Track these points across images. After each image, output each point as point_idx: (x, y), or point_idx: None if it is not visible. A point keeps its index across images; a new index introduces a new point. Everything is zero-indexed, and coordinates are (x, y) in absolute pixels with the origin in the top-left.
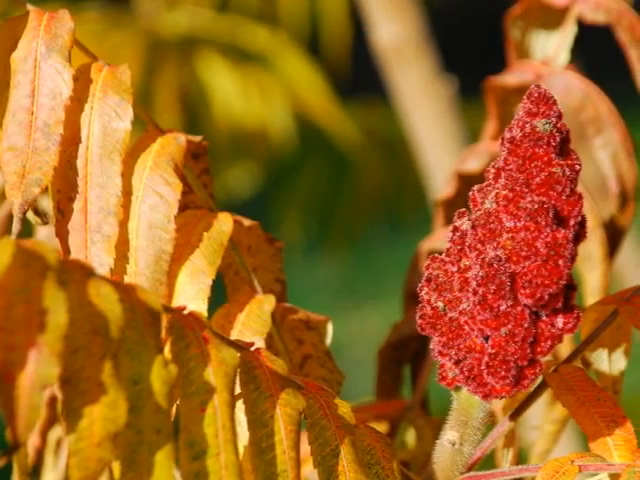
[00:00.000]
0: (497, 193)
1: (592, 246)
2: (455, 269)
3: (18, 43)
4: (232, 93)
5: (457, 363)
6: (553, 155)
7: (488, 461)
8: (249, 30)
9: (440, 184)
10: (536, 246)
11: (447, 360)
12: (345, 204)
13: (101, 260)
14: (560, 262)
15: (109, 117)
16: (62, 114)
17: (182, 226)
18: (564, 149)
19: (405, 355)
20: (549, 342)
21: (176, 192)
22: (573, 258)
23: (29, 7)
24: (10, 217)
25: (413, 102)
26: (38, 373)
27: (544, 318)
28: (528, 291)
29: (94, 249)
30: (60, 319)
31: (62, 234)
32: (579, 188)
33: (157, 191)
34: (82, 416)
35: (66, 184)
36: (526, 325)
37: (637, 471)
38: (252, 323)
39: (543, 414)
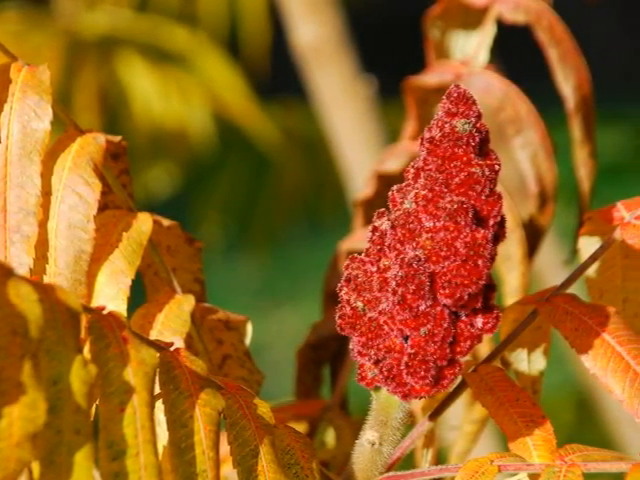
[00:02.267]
0: (416, 193)
1: (511, 246)
2: (374, 269)
3: None
4: (151, 93)
5: (376, 363)
6: (472, 155)
7: (407, 461)
8: (168, 30)
9: (359, 184)
10: (455, 246)
11: (366, 360)
12: (265, 204)
13: (20, 260)
14: (479, 262)
15: (28, 117)
16: None
17: (101, 226)
18: (483, 149)
19: (324, 355)
20: (468, 342)
21: (95, 192)
22: (492, 258)
23: None
24: None
25: (332, 102)
26: None
27: (463, 318)
28: (447, 291)
29: (13, 249)
30: None
31: None
32: (498, 188)
33: (76, 191)
34: (1, 416)
35: None
36: (445, 325)
37: (556, 471)
38: (171, 323)
39: (462, 414)
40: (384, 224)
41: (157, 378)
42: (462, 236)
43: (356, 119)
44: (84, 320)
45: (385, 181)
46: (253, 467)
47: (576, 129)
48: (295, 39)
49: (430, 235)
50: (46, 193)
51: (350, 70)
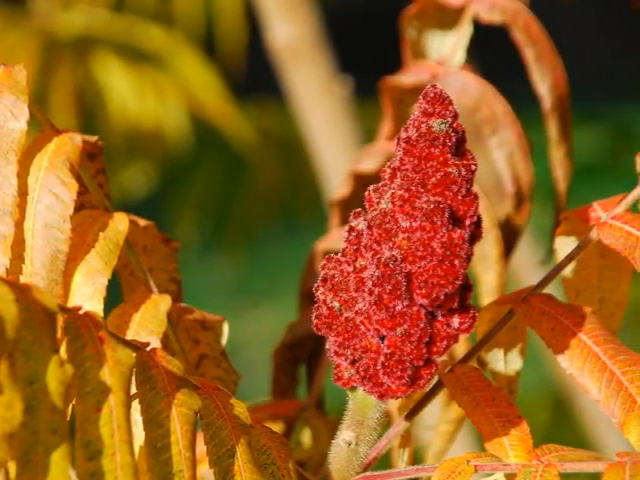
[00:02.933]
0: (393, 193)
1: (488, 246)
2: (351, 269)
3: None
4: (127, 93)
5: (353, 363)
6: (449, 155)
7: (384, 461)
8: (144, 30)
9: (336, 184)
10: (432, 246)
11: (343, 360)
12: (241, 204)
13: None
14: (456, 262)
15: (5, 117)
16: None
17: (78, 226)
18: (460, 149)
19: (301, 355)
20: (445, 342)
21: (72, 192)
22: (469, 258)
23: None
24: None
25: (309, 102)
26: None
27: (440, 318)
28: (424, 291)
29: None
30: None
31: None
32: (475, 188)
33: (53, 191)
34: None
35: None
36: (422, 325)
37: (532, 471)
38: (148, 323)
39: (439, 414)
40: (360, 224)
41: (133, 378)
42: (438, 236)
43: (332, 119)
44: (60, 320)
45: (361, 181)
46: (229, 467)
47: (552, 129)
48: (271, 39)
49: (407, 235)
50: (22, 193)
51: (326, 70)
